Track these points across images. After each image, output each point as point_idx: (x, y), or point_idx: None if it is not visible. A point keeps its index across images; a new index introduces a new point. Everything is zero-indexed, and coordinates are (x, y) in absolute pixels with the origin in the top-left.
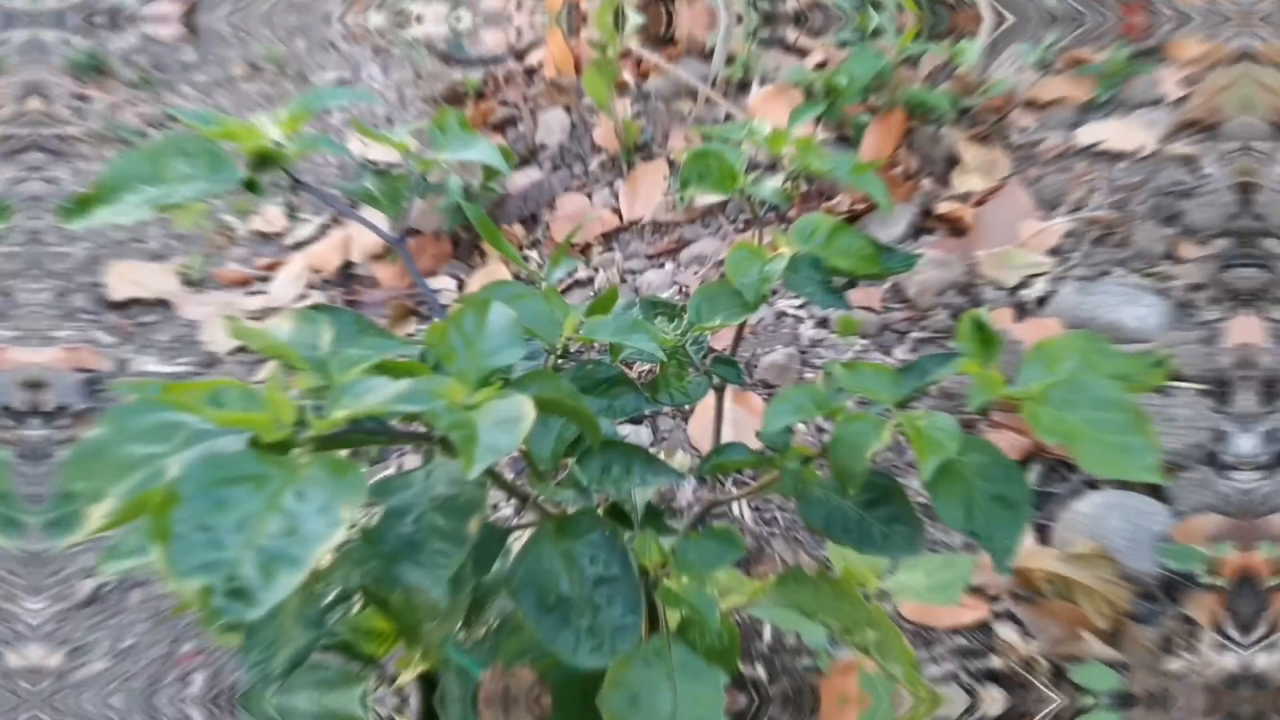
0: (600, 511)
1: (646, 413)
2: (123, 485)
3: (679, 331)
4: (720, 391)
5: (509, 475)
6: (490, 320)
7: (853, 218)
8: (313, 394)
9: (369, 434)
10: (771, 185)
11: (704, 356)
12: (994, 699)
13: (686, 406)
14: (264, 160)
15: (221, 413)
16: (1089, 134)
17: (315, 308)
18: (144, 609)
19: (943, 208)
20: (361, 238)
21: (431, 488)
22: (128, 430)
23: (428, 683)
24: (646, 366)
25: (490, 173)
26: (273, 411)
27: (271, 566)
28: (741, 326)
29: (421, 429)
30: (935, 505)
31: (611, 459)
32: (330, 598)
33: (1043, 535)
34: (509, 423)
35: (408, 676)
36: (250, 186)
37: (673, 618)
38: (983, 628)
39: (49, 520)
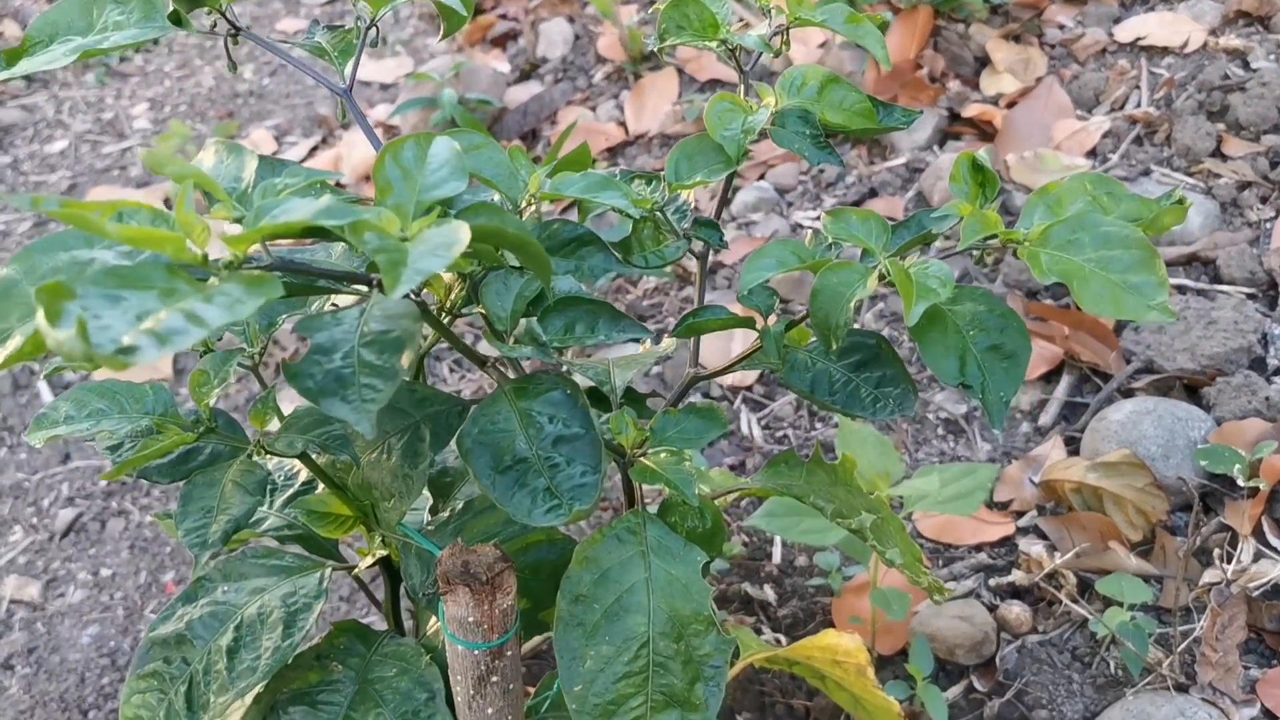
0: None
1: (650, 332)
2: (30, 323)
3: (655, 193)
4: (703, 259)
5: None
6: (432, 152)
7: None
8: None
9: (294, 271)
10: (757, 33)
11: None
12: (1016, 615)
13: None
14: None
15: (126, 228)
16: (1131, 29)
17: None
18: (124, 538)
19: (971, 111)
20: (352, 156)
21: (364, 324)
22: (36, 268)
23: (392, 569)
24: (652, 284)
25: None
26: (184, 230)
27: (165, 338)
28: (726, 186)
29: (357, 270)
30: (925, 357)
31: (575, 316)
32: (291, 490)
33: (1072, 447)
34: (442, 247)
35: (368, 562)
36: (175, 20)
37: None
38: (1007, 543)
39: None
